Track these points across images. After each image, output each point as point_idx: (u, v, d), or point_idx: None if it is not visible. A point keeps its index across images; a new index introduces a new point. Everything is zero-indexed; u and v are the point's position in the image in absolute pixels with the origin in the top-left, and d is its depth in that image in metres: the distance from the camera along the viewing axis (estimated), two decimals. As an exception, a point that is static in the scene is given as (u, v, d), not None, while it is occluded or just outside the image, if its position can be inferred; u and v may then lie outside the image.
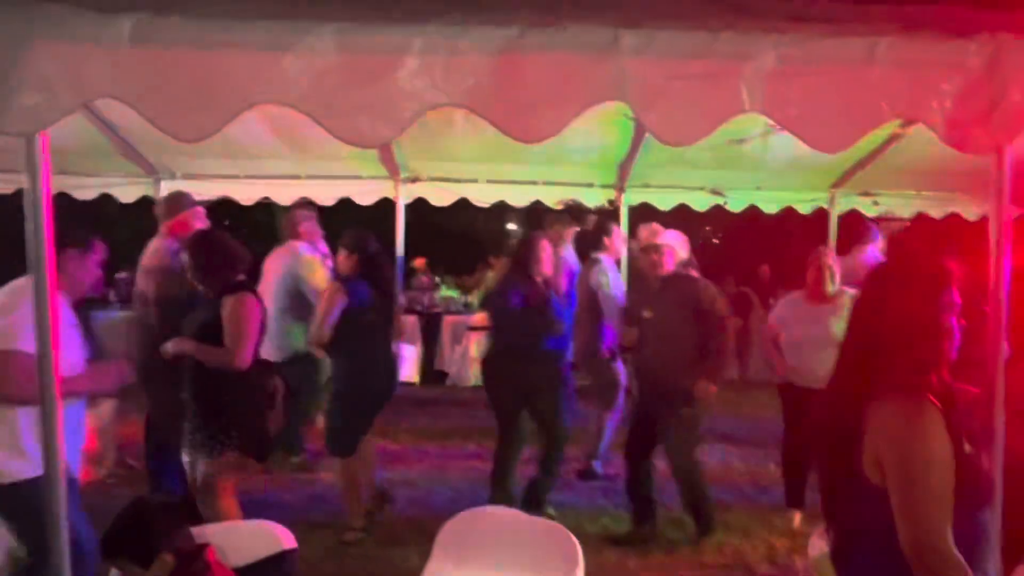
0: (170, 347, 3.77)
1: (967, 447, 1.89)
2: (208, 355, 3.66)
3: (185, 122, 2.19)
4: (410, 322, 9.24)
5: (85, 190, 6.48)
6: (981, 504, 1.94)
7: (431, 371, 9.46)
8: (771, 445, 5.82)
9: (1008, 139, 2.36)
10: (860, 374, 2.00)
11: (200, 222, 4.98)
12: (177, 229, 4.92)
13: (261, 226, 12.38)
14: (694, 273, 4.96)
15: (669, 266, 4.75)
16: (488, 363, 5.14)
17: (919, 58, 2.32)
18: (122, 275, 9.55)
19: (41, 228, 2.28)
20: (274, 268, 5.96)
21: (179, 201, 5.08)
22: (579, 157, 6.07)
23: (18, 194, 6.44)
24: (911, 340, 1.96)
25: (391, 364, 5.04)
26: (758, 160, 5.91)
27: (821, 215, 7.36)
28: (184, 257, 3.97)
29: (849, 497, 2.00)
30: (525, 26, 2.25)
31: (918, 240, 9.27)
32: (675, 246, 4.87)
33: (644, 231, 5.12)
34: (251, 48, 2.17)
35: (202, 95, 2.17)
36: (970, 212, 6.86)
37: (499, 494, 4.86)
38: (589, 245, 6.04)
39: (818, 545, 2.52)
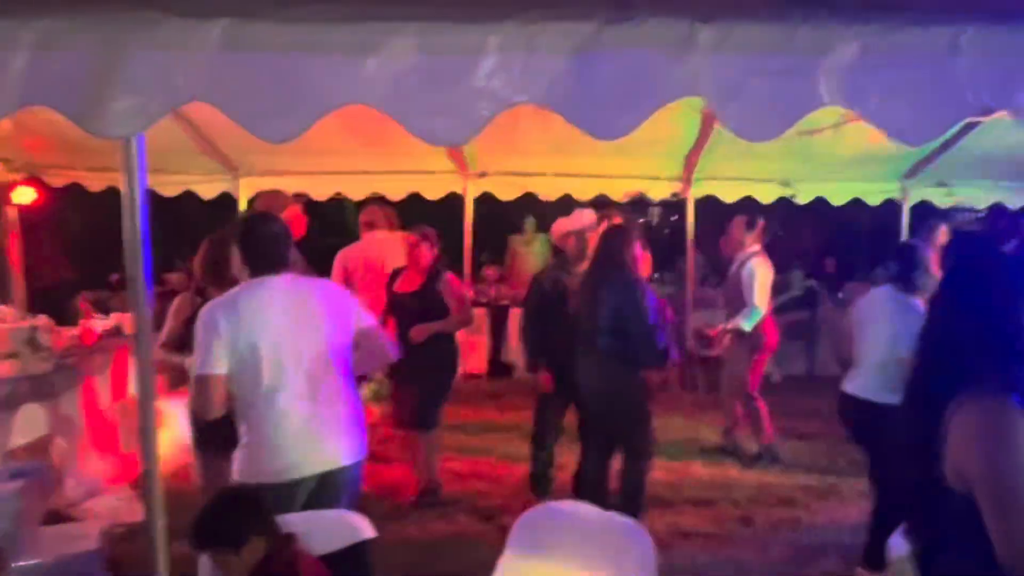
0: None
1: None
2: None
3: (272, 125, 2.24)
4: (477, 314, 9.30)
5: (169, 187, 6.74)
6: None
7: (498, 363, 9.54)
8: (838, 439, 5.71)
9: (1100, 128, 2.28)
10: (939, 375, 1.95)
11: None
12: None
13: (330, 220, 12.57)
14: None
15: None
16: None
17: (1005, 46, 2.26)
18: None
19: (137, 227, 2.39)
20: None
21: (278, 198, 5.03)
22: (646, 149, 6.05)
23: (108, 192, 6.65)
24: (990, 338, 1.90)
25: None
26: (828, 151, 5.82)
27: (889, 206, 7.21)
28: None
29: (931, 503, 1.95)
30: (602, 22, 2.25)
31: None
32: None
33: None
34: (334, 51, 2.22)
35: (288, 98, 2.22)
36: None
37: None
38: None
39: (900, 546, 2.47)
